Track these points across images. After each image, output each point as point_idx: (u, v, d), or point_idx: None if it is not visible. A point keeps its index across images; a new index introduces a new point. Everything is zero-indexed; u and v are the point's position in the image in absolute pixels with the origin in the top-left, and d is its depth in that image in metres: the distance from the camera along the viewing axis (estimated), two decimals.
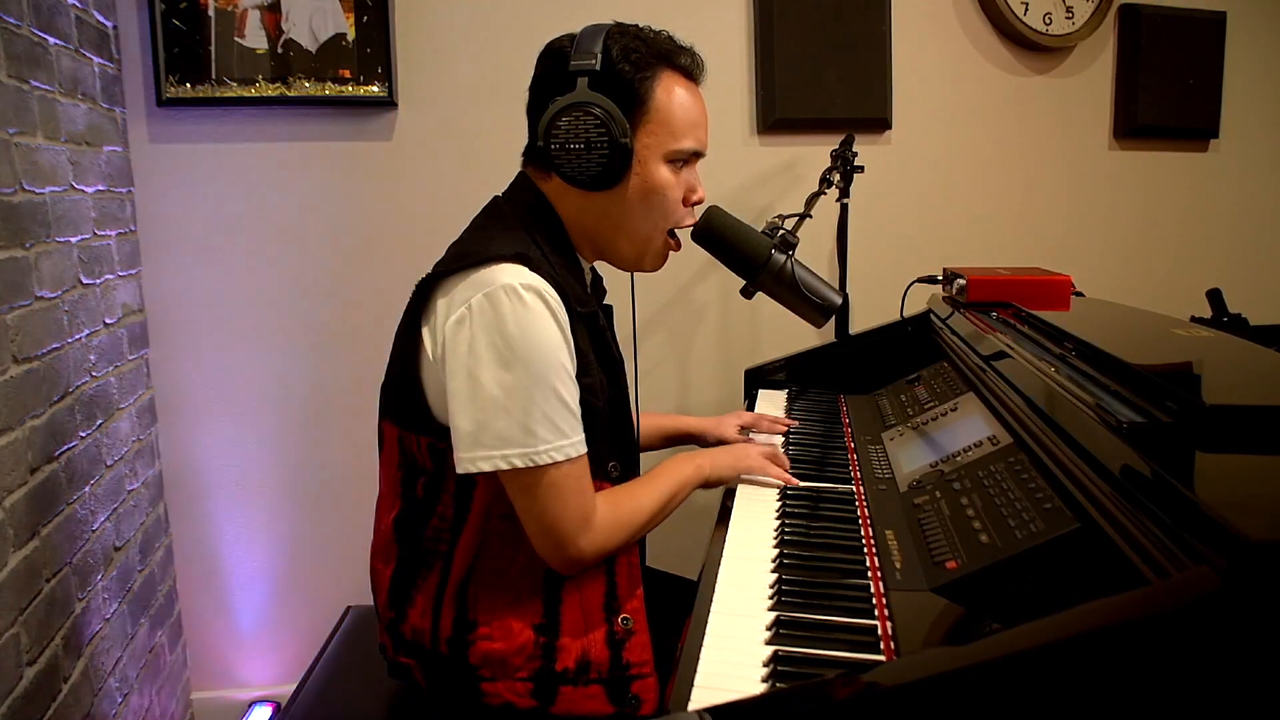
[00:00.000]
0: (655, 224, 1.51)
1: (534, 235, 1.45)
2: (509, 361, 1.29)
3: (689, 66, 1.50)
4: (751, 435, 1.98)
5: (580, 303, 1.43)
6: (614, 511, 1.42)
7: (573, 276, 1.47)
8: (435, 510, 1.42)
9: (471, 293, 1.31)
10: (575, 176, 1.43)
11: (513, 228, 1.46)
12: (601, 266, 1.64)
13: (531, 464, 1.30)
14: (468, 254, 1.36)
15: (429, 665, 1.44)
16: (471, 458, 1.31)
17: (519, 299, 1.30)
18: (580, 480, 1.36)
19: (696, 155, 1.53)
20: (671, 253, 1.59)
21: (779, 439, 1.95)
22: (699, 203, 1.57)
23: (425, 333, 1.37)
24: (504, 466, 1.30)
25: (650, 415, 2.00)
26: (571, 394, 1.35)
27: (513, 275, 1.31)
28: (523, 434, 1.30)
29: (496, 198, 1.55)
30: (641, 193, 1.47)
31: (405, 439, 1.44)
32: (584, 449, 1.36)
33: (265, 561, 2.72)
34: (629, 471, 1.55)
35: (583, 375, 1.39)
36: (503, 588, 1.41)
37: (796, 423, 2.02)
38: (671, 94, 1.46)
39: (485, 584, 1.41)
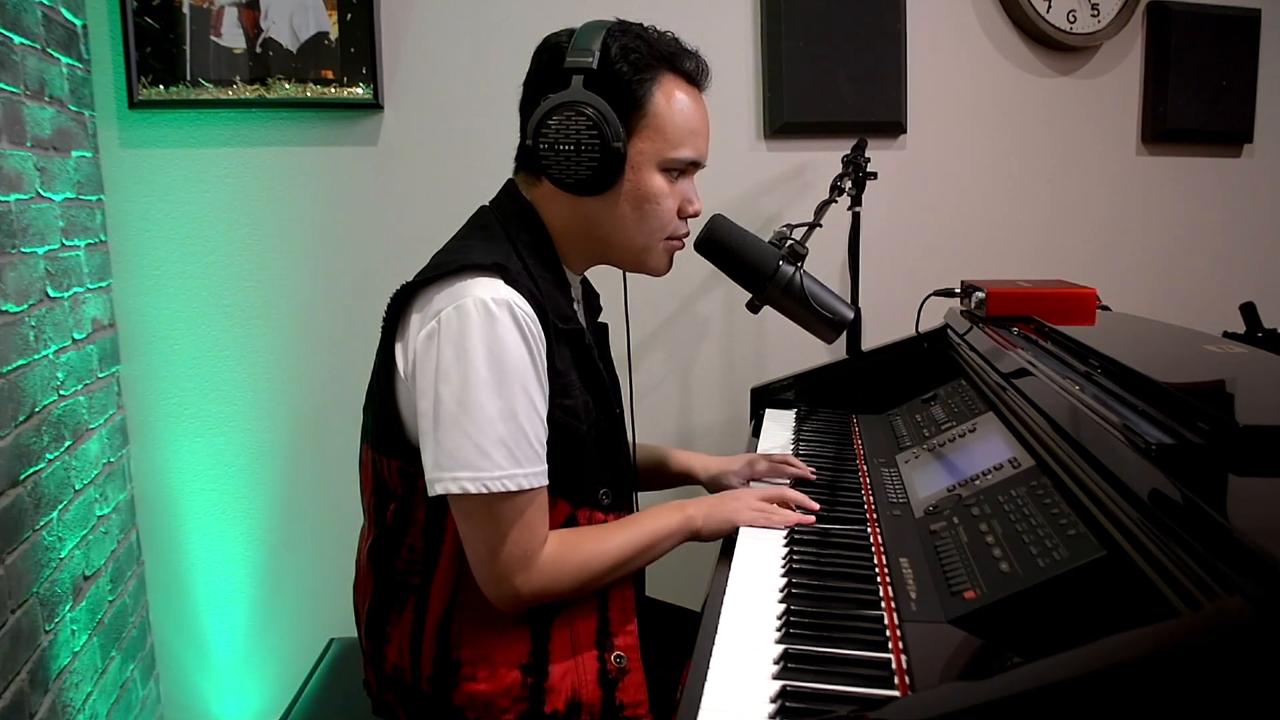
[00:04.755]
0: (650, 234, 1.51)
1: (517, 246, 1.45)
2: (469, 378, 1.29)
3: (692, 71, 1.50)
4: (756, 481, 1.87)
5: (563, 319, 1.43)
6: (563, 555, 1.39)
7: (558, 291, 1.47)
8: (404, 540, 1.42)
9: (444, 305, 1.31)
10: (563, 179, 1.43)
11: (495, 238, 1.46)
12: (601, 276, 1.65)
13: (484, 490, 1.30)
14: (444, 264, 1.37)
15: (411, 704, 1.44)
16: (430, 480, 1.32)
17: (488, 314, 1.30)
18: (531, 515, 1.35)
19: (695, 165, 1.52)
20: (676, 259, 1.59)
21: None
22: (695, 215, 1.56)
23: (399, 348, 1.37)
24: (455, 490, 1.30)
25: (648, 447, 1.93)
26: (532, 423, 1.34)
27: (486, 289, 1.31)
28: (477, 456, 1.29)
29: (483, 206, 1.56)
30: (633, 201, 1.47)
31: (378, 462, 1.44)
32: (541, 482, 1.35)
33: (243, 590, 2.71)
34: (622, 498, 1.54)
35: (562, 397, 1.39)
36: (486, 624, 1.40)
37: (813, 473, 1.85)
38: (671, 99, 1.46)
39: (468, 620, 1.41)
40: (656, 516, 1.53)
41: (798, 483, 1.80)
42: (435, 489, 1.31)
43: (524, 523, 1.34)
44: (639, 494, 1.73)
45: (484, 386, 1.29)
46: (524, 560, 1.35)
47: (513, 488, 1.31)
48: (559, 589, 1.40)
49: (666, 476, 1.93)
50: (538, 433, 1.35)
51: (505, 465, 1.30)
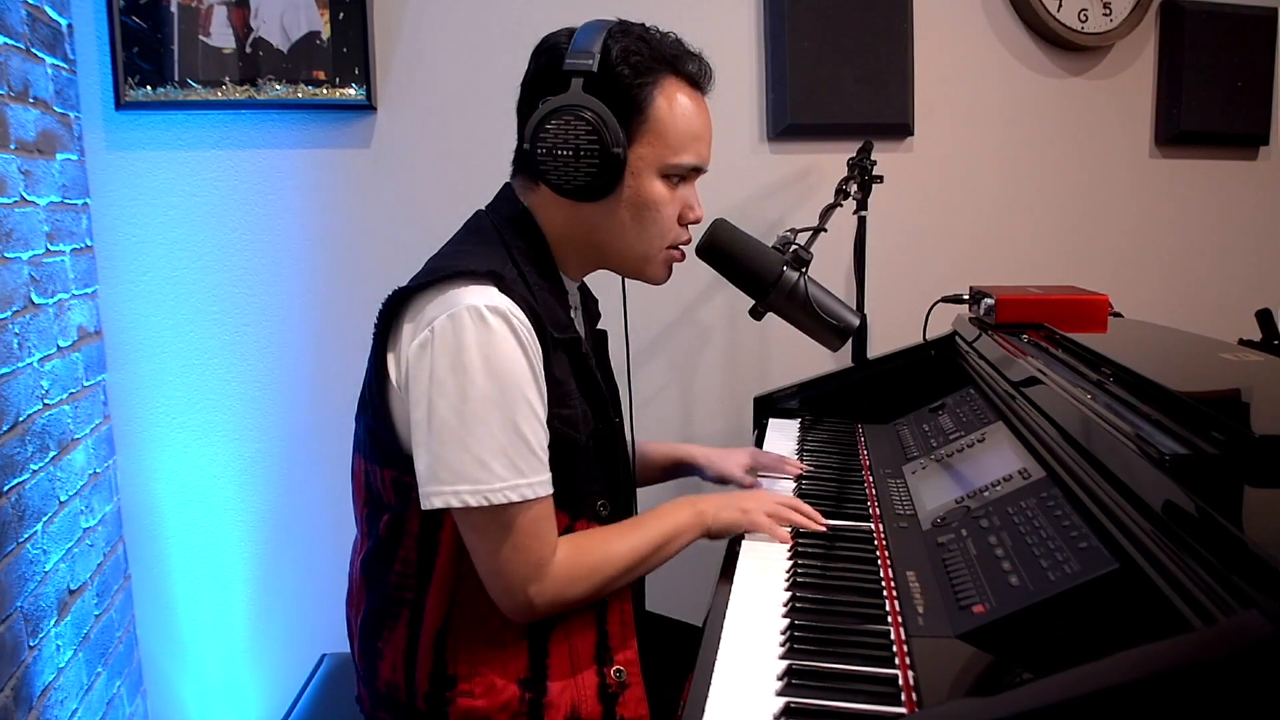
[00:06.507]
0: (649, 241, 1.51)
1: (513, 253, 1.45)
2: (466, 389, 1.29)
3: (695, 74, 1.50)
4: (759, 477, 1.94)
5: (559, 328, 1.42)
6: (575, 559, 1.40)
7: (555, 299, 1.47)
8: (398, 553, 1.42)
9: (436, 313, 1.31)
10: (561, 185, 1.43)
11: (491, 244, 1.46)
12: (599, 283, 1.65)
13: (485, 503, 1.30)
14: (437, 270, 1.36)
15: None
16: (425, 493, 1.31)
17: (483, 322, 1.30)
18: (538, 524, 1.35)
19: (696, 171, 1.52)
20: (676, 266, 1.60)
21: (789, 483, 1.90)
22: (696, 221, 1.56)
23: (391, 357, 1.37)
24: (455, 504, 1.30)
25: (647, 443, 1.96)
26: (534, 431, 1.34)
27: (479, 296, 1.31)
28: (477, 468, 1.30)
29: (479, 211, 1.56)
30: (633, 207, 1.47)
31: (370, 472, 1.44)
32: (546, 491, 1.35)
33: (233, 604, 2.71)
34: (621, 510, 1.54)
35: (560, 406, 1.39)
36: (483, 639, 1.40)
37: (810, 468, 1.96)
38: (673, 103, 1.46)
39: (464, 635, 1.40)
40: (668, 514, 1.54)
41: (804, 480, 1.86)
42: (434, 502, 1.31)
43: (532, 531, 1.34)
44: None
45: (481, 397, 1.29)
46: (536, 570, 1.35)
47: (515, 498, 1.31)
48: (573, 595, 1.40)
49: (660, 470, 1.96)
50: (540, 440, 1.35)
51: (507, 476, 1.30)
